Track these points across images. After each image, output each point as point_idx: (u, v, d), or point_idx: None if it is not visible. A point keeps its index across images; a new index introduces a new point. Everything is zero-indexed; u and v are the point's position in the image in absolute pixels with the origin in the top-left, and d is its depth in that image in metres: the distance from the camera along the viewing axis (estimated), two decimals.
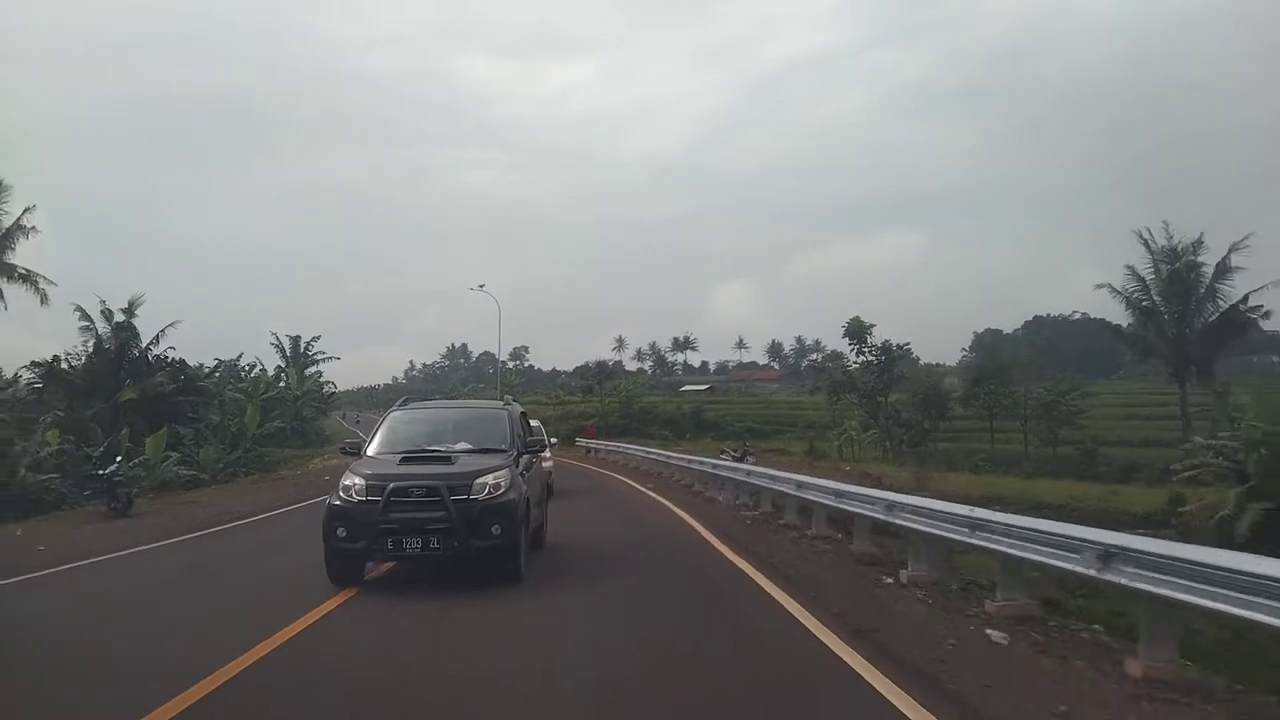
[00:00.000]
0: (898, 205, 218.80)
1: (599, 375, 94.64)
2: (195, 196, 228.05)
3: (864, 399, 59.23)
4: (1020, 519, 7.49)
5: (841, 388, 61.39)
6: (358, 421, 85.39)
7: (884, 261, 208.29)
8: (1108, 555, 5.87)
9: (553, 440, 27.61)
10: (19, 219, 36.28)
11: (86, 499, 24.52)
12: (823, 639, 7.04)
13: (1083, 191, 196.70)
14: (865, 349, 57.81)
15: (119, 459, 23.84)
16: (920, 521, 9.11)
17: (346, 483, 9.18)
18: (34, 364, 38.14)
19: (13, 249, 36.34)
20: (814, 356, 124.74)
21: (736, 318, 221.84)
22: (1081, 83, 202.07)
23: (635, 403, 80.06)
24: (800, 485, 14.23)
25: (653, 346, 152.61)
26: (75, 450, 30.31)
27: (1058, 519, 9.49)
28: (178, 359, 42.20)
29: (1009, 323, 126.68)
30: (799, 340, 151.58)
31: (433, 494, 8.88)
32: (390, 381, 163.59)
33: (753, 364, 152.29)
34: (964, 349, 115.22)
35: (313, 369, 75.20)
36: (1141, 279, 43.82)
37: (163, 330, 40.64)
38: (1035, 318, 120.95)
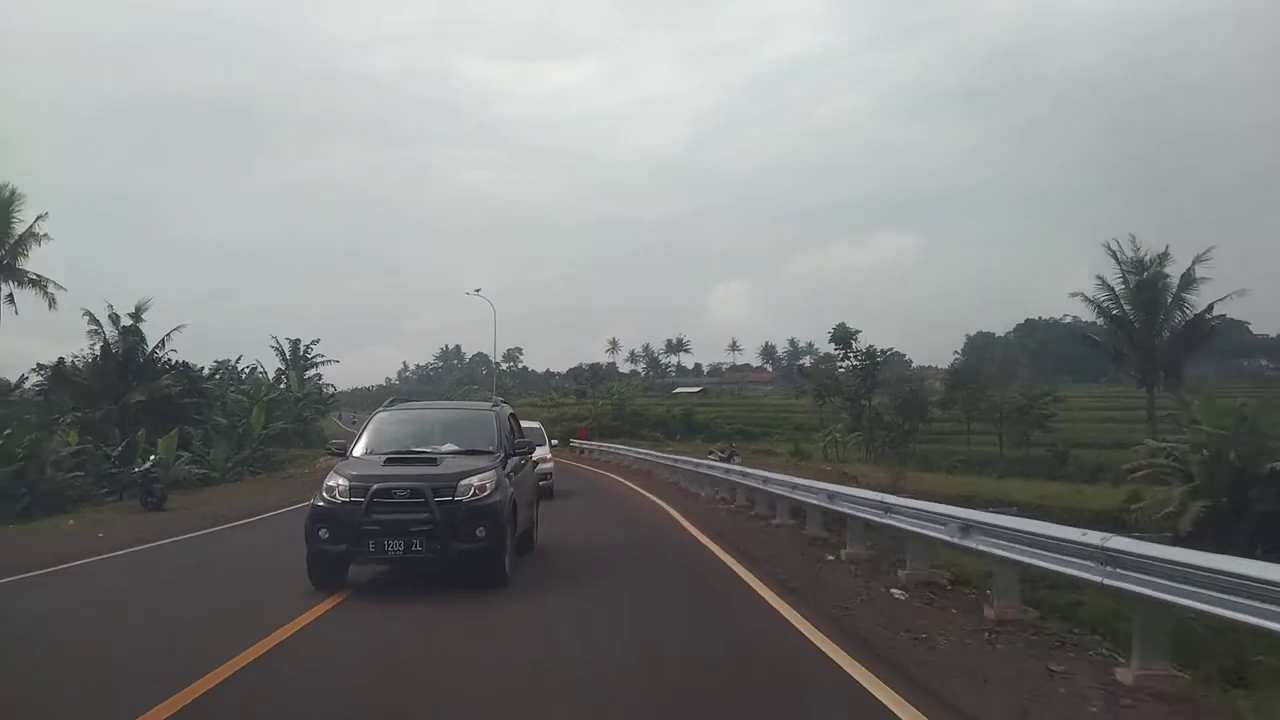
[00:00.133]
0: (897, 205, 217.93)
1: (592, 378, 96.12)
2: (195, 196, 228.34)
3: (848, 402, 61.36)
4: (916, 503, 9.45)
5: (827, 391, 63.58)
6: (354, 421, 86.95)
7: (883, 262, 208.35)
8: (967, 527, 7.84)
9: (553, 442, 28.87)
10: (31, 226, 37.54)
11: (104, 496, 26.21)
12: (765, 597, 9.00)
13: (1082, 192, 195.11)
14: (850, 354, 59.97)
15: (154, 457, 25.51)
16: (852, 507, 11.06)
17: (330, 484, 9.14)
18: (40, 366, 39.44)
19: (25, 255, 37.82)
20: (805, 360, 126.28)
21: (735, 318, 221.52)
22: (1081, 83, 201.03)
23: (627, 405, 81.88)
24: (766, 480, 16.24)
25: (646, 349, 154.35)
26: (95, 450, 31.99)
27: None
28: (180, 362, 43.70)
29: (1006, 325, 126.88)
30: (792, 343, 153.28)
31: (417, 495, 8.82)
32: (384, 383, 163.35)
33: (746, 366, 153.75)
34: (956, 352, 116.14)
35: (312, 371, 76.96)
36: (1111, 289, 45.99)
37: (169, 334, 42.29)
38: (1027, 320, 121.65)
